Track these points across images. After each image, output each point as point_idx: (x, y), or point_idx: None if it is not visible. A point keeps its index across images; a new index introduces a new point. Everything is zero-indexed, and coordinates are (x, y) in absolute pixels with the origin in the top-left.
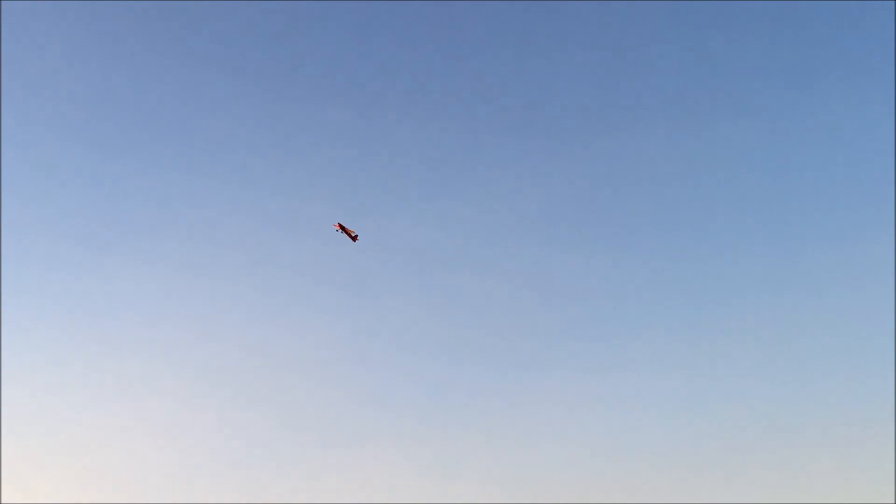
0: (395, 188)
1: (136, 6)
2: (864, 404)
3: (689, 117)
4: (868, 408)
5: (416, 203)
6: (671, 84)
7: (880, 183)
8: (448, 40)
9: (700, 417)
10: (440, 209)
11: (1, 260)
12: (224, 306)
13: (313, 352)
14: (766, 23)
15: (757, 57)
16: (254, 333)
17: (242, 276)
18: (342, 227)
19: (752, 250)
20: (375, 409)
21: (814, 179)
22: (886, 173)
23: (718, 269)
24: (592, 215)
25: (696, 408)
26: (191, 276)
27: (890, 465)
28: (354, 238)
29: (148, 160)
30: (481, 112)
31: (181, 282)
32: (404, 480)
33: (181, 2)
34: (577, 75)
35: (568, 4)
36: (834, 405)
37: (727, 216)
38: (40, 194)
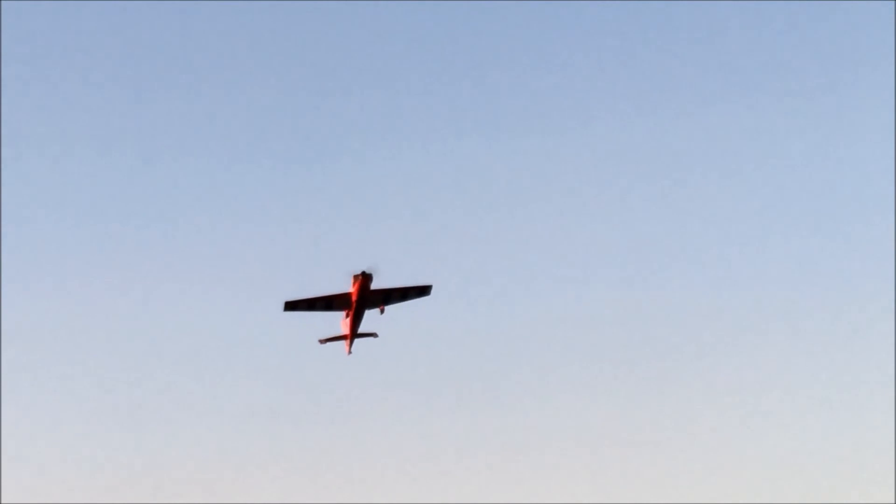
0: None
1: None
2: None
3: (686, 116)
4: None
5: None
6: (669, 82)
7: (880, 184)
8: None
9: None
10: None
11: (1, 258)
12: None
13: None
14: (764, 22)
15: (755, 56)
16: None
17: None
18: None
19: (755, 258)
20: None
21: (811, 181)
22: (887, 174)
23: None
24: None
25: None
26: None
27: (890, 464)
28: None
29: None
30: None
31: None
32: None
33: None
34: None
35: None
36: (833, 400)
37: (719, 217)
38: (42, 199)
